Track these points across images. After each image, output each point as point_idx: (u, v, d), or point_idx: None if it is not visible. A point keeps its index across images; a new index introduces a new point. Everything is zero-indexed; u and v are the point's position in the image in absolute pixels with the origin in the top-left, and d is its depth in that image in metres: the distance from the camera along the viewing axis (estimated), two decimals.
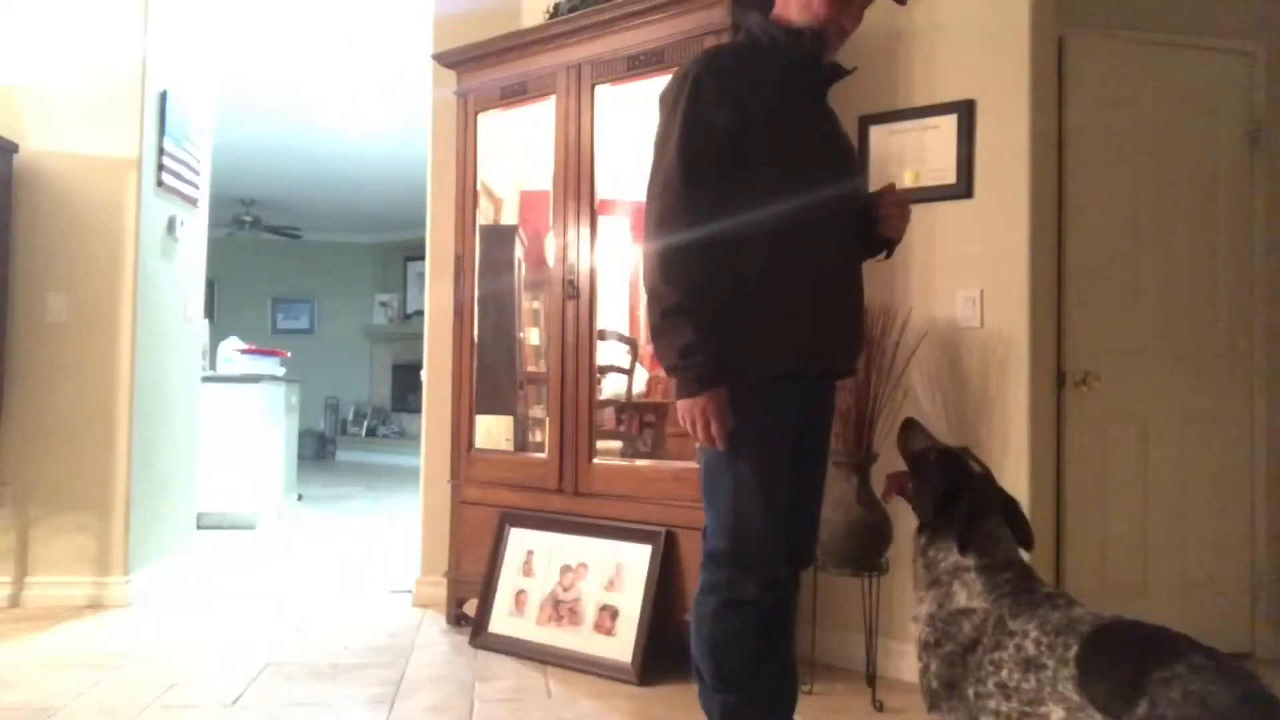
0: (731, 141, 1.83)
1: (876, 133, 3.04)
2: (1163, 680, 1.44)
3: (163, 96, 3.89)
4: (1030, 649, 1.49)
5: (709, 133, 1.83)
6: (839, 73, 2.02)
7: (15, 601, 3.62)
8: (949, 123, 2.89)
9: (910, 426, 1.87)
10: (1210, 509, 3.20)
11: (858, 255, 2.03)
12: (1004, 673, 1.50)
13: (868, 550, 2.71)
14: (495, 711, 2.62)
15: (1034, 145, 2.79)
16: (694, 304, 1.78)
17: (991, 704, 1.51)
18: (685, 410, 1.82)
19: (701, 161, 1.83)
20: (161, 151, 3.87)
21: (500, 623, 3.17)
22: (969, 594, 1.60)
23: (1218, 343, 3.24)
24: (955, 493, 1.67)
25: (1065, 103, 3.10)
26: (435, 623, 3.53)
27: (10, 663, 2.96)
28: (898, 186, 2.12)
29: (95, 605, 3.62)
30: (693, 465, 2.92)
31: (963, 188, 2.87)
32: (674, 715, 2.59)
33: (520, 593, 3.17)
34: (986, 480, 1.71)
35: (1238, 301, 3.25)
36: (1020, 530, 1.70)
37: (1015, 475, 2.77)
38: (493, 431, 3.60)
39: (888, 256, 2.09)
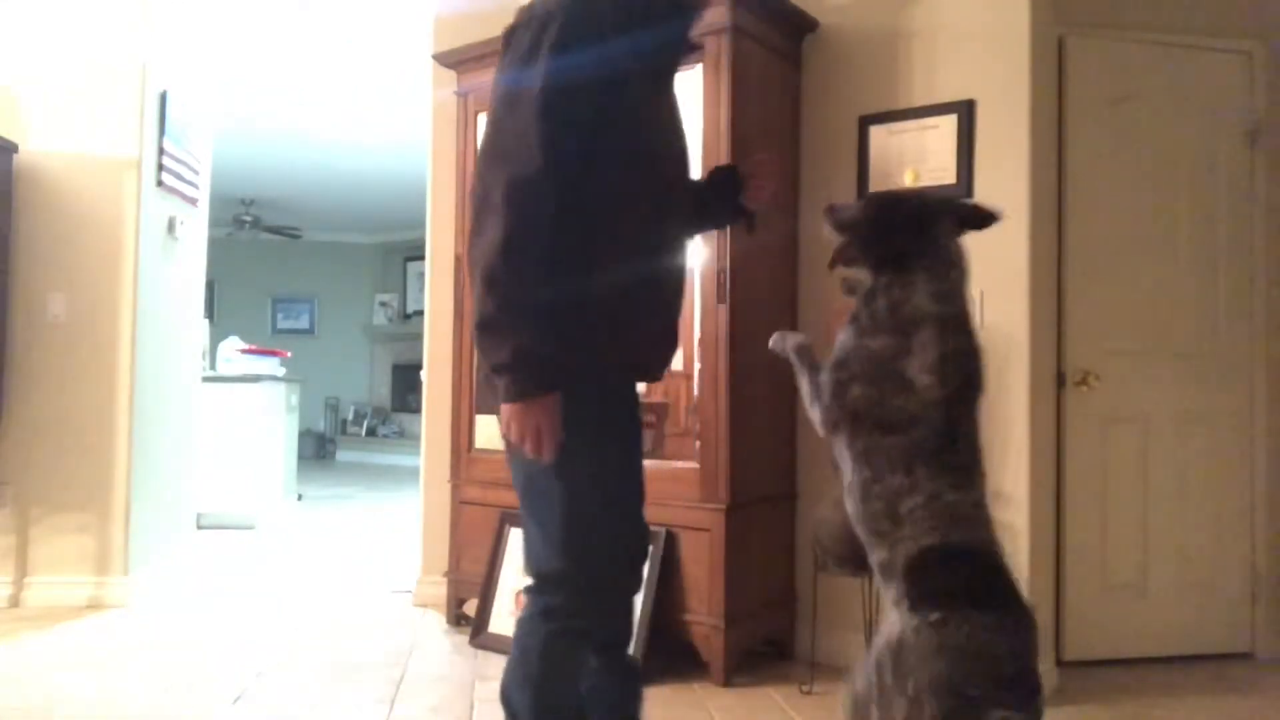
0: (594, 111, 1.53)
1: (876, 133, 3.04)
2: None
3: (163, 96, 3.89)
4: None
5: (573, 100, 1.52)
6: (691, 45, 1.76)
7: (15, 601, 3.62)
8: (949, 123, 2.89)
9: (830, 209, 1.75)
10: (1210, 509, 3.20)
11: (685, 249, 1.79)
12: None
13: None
14: (495, 711, 2.60)
15: (1034, 145, 2.79)
16: (537, 297, 1.50)
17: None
18: (512, 417, 1.53)
19: (560, 134, 1.50)
20: (161, 151, 3.87)
21: (500, 623, 3.17)
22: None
23: (1218, 343, 3.24)
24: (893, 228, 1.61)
25: (1065, 103, 3.10)
26: (435, 623, 3.53)
27: (10, 663, 2.96)
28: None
29: (95, 605, 3.62)
30: (693, 465, 2.93)
31: (963, 188, 2.87)
32: (674, 715, 2.59)
33: (520, 593, 3.17)
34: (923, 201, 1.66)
35: (1238, 301, 3.25)
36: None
37: (1015, 475, 2.77)
38: (493, 432, 3.58)
39: (749, 230, 1.92)
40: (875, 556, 1.65)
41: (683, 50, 1.74)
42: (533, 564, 1.67)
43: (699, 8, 1.73)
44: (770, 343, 1.83)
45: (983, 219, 1.75)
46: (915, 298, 1.59)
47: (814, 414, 1.76)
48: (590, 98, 1.51)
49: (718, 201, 1.85)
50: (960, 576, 1.52)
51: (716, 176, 1.87)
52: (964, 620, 1.46)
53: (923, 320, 1.59)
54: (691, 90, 2.94)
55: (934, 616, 1.49)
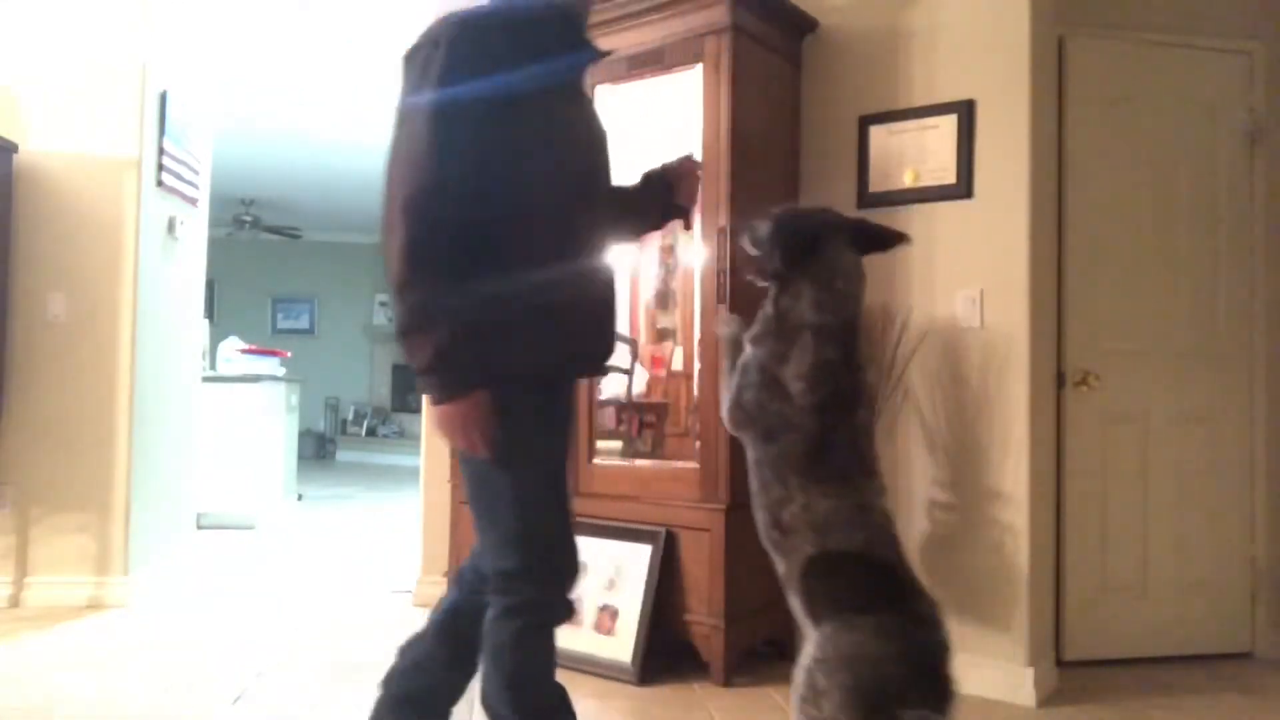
0: (490, 125, 1.61)
1: (876, 133, 3.04)
2: None
3: (163, 96, 3.89)
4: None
5: (468, 113, 1.59)
6: (597, 51, 1.81)
7: (15, 601, 3.61)
8: (949, 123, 2.89)
9: (747, 227, 1.84)
10: (1210, 509, 3.20)
11: (611, 244, 1.84)
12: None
13: None
14: None
15: (1034, 145, 2.79)
16: (448, 299, 1.55)
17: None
18: (442, 416, 1.59)
19: (457, 146, 1.58)
20: (161, 151, 3.87)
21: None
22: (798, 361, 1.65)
23: (1218, 343, 3.24)
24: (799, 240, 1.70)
25: (1065, 103, 3.10)
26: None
27: (10, 663, 2.96)
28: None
29: (95, 605, 3.62)
30: (693, 465, 2.93)
31: (963, 188, 2.87)
32: (674, 715, 2.59)
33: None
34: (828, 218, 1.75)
35: (1238, 301, 3.25)
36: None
37: (1015, 475, 2.77)
38: None
39: (687, 226, 1.99)
40: (779, 570, 1.69)
41: (584, 69, 1.82)
42: (492, 564, 1.69)
43: (597, 54, 1.81)
44: (716, 329, 1.88)
45: (886, 239, 1.81)
46: (799, 307, 1.67)
47: (722, 411, 1.81)
48: (481, 116, 1.58)
49: (651, 202, 1.93)
50: (843, 584, 1.56)
51: (649, 179, 1.95)
52: (852, 629, 1.50)
53: (802, 329, 1.66)
54: (691, 90, 2.95)
55: (827, 629, 1.54)
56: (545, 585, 1.66)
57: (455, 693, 1.90)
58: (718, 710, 2.63)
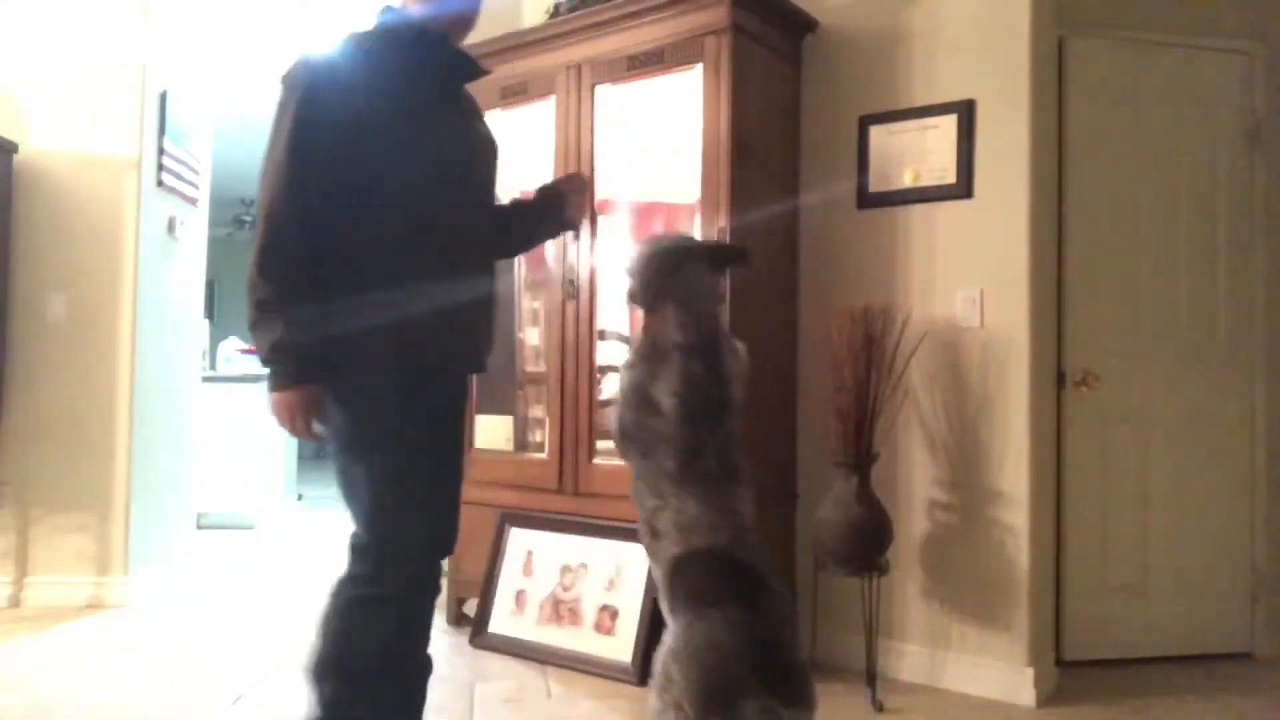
0: (349, 138, 1.78)
1: (876, 133, 3.04)
2: None
3: (163, 96, 3.89)
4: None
5: (324, 128, 1.77)
6: (475, 69, 2.01)
7: (15, 601, 3.62)
8: (949, 123, 2.89)
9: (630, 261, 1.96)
10: (1210, 509, 3.20)
11: (488, 253, 2.01)
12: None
13: (867, 550, 2.71)
14: (495, 711, 2.62)
15: (1034, 145, 2.79)
16: (289, 300, 1.73)
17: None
18: (275, 404, 1.77)
19: (310, 159, 1.76)
20: (161, 151, 3.87)
21: (500, 623, 3.17)
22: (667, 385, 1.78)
23: (1218, 343, 3.24)
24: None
25: (1065, 103, 3.10)
26: (435, 623, 3.51)
27: (10, 663, 2.96)
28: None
29: (95, 605, 3.62)
30: None
31: (963, 188, 2.87)
32: None
33: (520, 593, 3.17)
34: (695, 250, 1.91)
35: (1238, 301, 3.25)
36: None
37: (1015, 475, 2.77)
38: (493, 431, 3.59)
39: (576, 236, 2.17)
40: (654, 574, 1.77)
41: (453, 91, 1.99)
42: (350, 535, 1.89)
43: (466, 75, 2.00)
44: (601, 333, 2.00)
45: (732, 256, 1.99)
46: (667, 329, 1.80)
47: (611, 428, 1.93)
48: (338, 137, 1.77)
49: (543, 214, 2.13)
50: (700, 579, 1.66)
51: (542, 192, 2.14)
52: (703, 621, 1.60)
53: (671, 349, 1.78)
54: (691, 90, 2.95)
55: (682, 622, 1.64)
56: (382, 566, 1.83)
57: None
58: None
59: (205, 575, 4.32)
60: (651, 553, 1.79)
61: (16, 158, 3.65)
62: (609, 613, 2.95)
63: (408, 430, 1.82)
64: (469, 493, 3.41)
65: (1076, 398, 3.10)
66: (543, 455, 3.29)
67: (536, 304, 3.66)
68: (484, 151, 2.02)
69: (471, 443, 3.47)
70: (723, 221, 2.86)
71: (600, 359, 3.24)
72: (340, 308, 1.77)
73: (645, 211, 3.73)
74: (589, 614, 2.99)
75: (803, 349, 3.17)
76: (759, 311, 3.00)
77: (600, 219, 3.20)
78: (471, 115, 2.03)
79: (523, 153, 3.56)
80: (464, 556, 3.44)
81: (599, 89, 3.17)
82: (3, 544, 3.63)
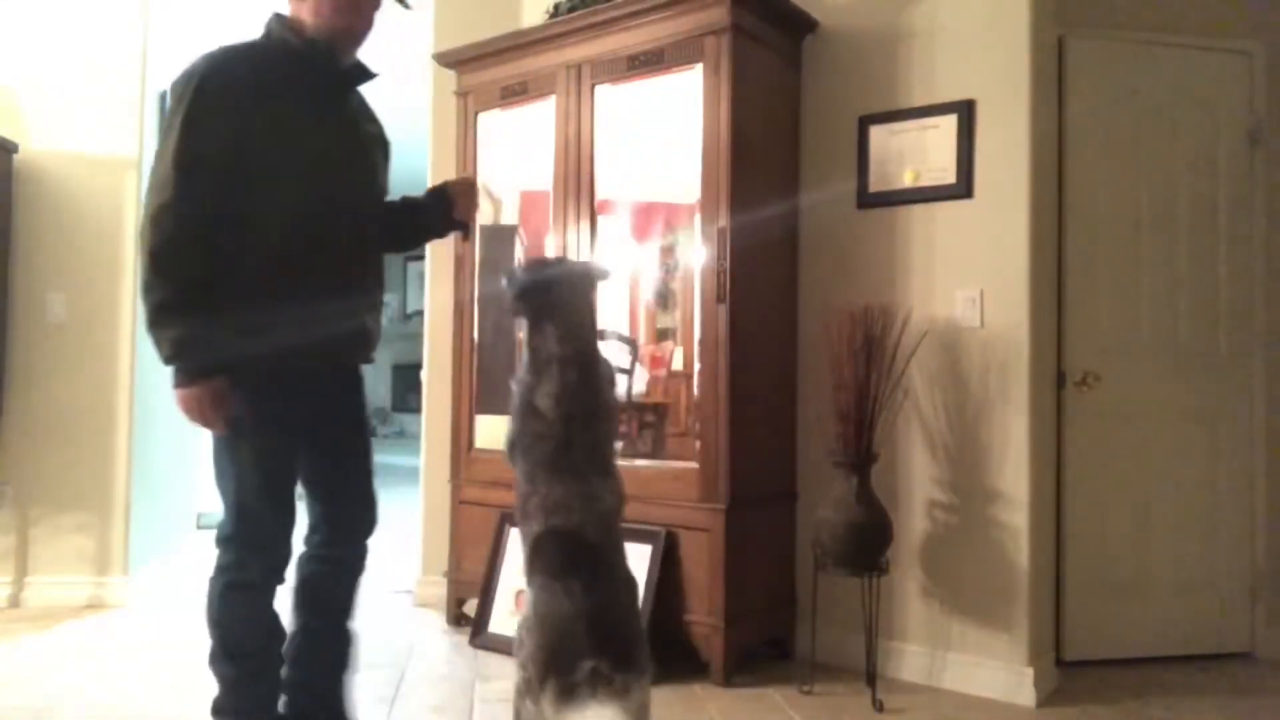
0: (234, 145, 1.87)
1: (876, 133, 3.04)
2: None
3: (163, 96, 3.89)
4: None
5: (210, 136, 1.86)
6: (364, 74, 2.11)
7: (15, 601, 3.62)
8: (949, 123, 2.89)
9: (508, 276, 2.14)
10: (1210, 509, 3.20)
11: (373, 250, 2.13)
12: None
13: (867, 550, 2.71)
14: (495, 711, 2.62)
15: (1034, 145, 2.79)
16: (187, 299, 1.83)
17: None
18: (182, 399, 1.87)
19: (198, 164, 1.85)
20: None
21: (500, 622, 3.17)
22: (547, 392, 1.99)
23: (1218, 343, 3.24)
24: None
25: (1065, 103, 3.10)
26: (435, 623, 3.53)
27: (10, 663, 2.96)
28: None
29: (95, 605, 3.62)
30: (693, 465, 2.93)
31: (963, 188, 2.87)
32: (673, 715, 2.59)
33: (520, 593, 3.17)
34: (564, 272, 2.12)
35: (1238, 301, 3.25)
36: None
37: (1015, 475, 2.77)
38: (493, 431, 3.59)
39: (465, 238, 2.28)
40: (524, 554, 2.00)
41: (339, 97, 2.09)
42: (217, 526, 2.03)
43: (352, 80, 2.11)
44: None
45: (602, 277, 2.19)
46: (547, 343, 2.01)
47: (503, 441, 2.11)
48: (226, 143, 1.87)
49: (432, 214, 2.28)
50: (556, 554, 1.89)
51: (433, 193, 2.29)
52: (549, 591, 1.85)
53: (550, 360, 2.00)
54: (691, 90, 2.95)
55: (533, 592, 1.89)
56: (250, 553, 1.98)
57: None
58: (718, 710, 2.63)
59: (205, 575, 4.31)
60: (521, 534, 2.02)
61: (16, 158, 3.65)
62: None
63: (282, 424, 1.96)
64: (469, 493, 3.44)
65: (1076, 398, 3.10)
66: None
67: None
68: (371, 152, 2.15)
69: (471, 443, 3.48)
70: (723, 221, 2.86)
71: None
72: (223, 306, 1.88)
73: (645, 211, 3.73)
74: None
75: (803, 349, 3.17)
76: (759, 311, 3.00)
77: (600, 219, 3.20)
78: (361, 118, 2.15)
79: (523, 153, 3.57)
80: (464, 556, 3.45)
81: (599, 89, 3.17)
82: (3, 544, 3.63)
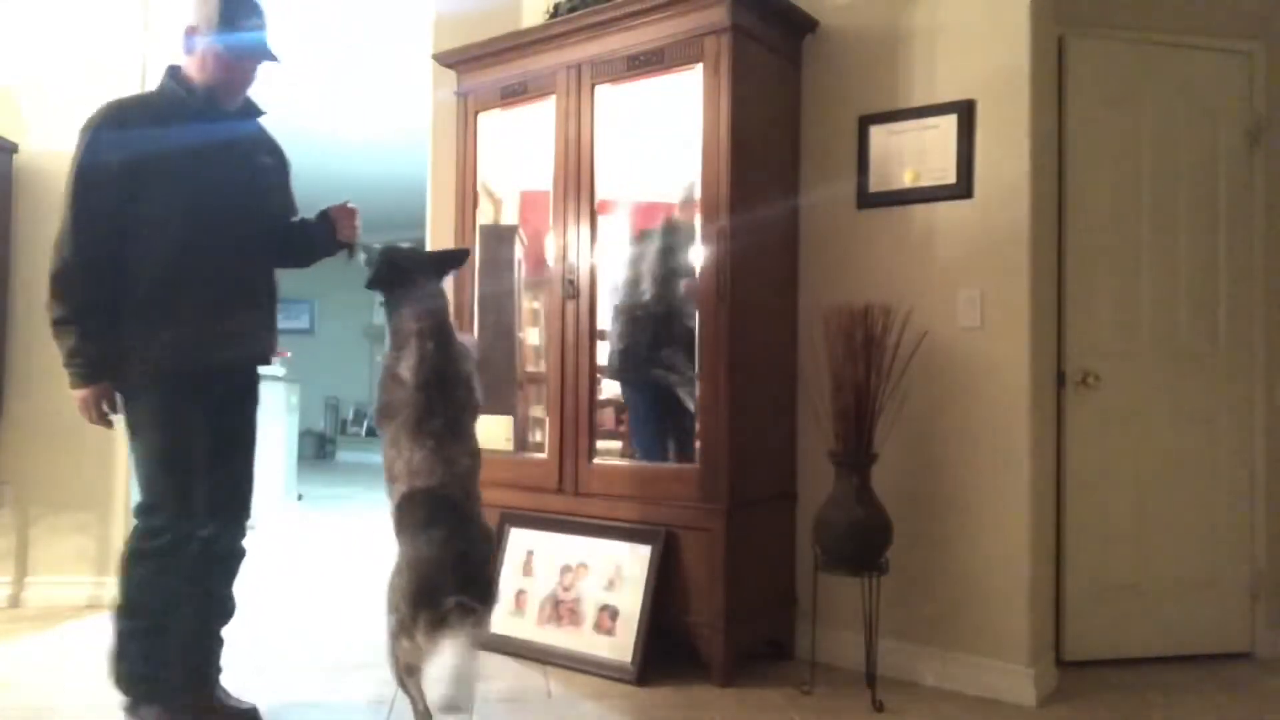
0: (125, 181, 2.22)
1: (876, 133, 3.04)
2: None
3: None
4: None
5: (101, 175, 2.22)
6: (253, 111, 2.52)
7: (15, 602, 3.62)
8: (949, 123, 2.89)
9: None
10: (1210, 509, 3.20)
11: (262, 267, 2.48)
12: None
13: (867, 550, 2.71)
14: (495, 711, 2.62)
15: (1034, 145, 2.79)
16: (79, 317, 2.21)
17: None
18: (76, 399, 2.27)
19: (91, 200, 2.21)
20: None
21: (500, 623, 3.17)
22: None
23: (1218, 343, 3.24)
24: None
25: (1065, 103, 3.10)
26: None
27: (10, 663, 2.96)
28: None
29: (95, 605, 3.61)
30: (693, 465, 2.93)
31: (963, 188, 2.87)
32: (674, 715, 2.59)
33: (520, 593, 3.17)
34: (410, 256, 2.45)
35: (1238, 301, 3.25)
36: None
37: (1015, 475, 2.77)
38: (493, 431, 3.59)
39: (350, 257, 2.58)
40: (389, 510, 2.26)
41: (229, 138, 2.41)
42: (136, 500, 2.36)
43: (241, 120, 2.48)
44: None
45: (456, 261, 2.54)
46: (406, 323, 2.31)
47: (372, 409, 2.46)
48: (119, 182, 2.22)
49: (318, 235, 2.56)
50: (421, 510, 2.16)
51: (320, 215, 2.56)
52: (415, 540, 2.13)
53: (409, 335, 2.30)
54: (691, 90, 2.95)
55: (401, 543, 2.17)
56: (156, 525, 2.29)
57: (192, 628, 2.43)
58: (718, 710, 2.63)
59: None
60: (389, 493, 2.27)
61: (16, 158, 3.65)
62: (609, 613, 2.95)
63: (179, 417, 2.30)
64: None
65: (1076, 398, 3.10)
66: (543, 455, 3.29)
67: (536, 304, 3.66)
68: (264, 180, 2.49)
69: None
70: (723, 221, 2.86)
71: (600, 359, 3.24)
72: (124, 320, 2.25)
73: (645, 211, 3.73)
74: (589, 614, 2.99)
75: (803, 349, 3.17)
76: (759, 312, 3.00)
77: (600, 219, 3.20)
78: (257, 150, 2.50)
79: (523, 153, 3.56)
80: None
81: (599, 89, 3.17)
82: (3, 544, 3.63)
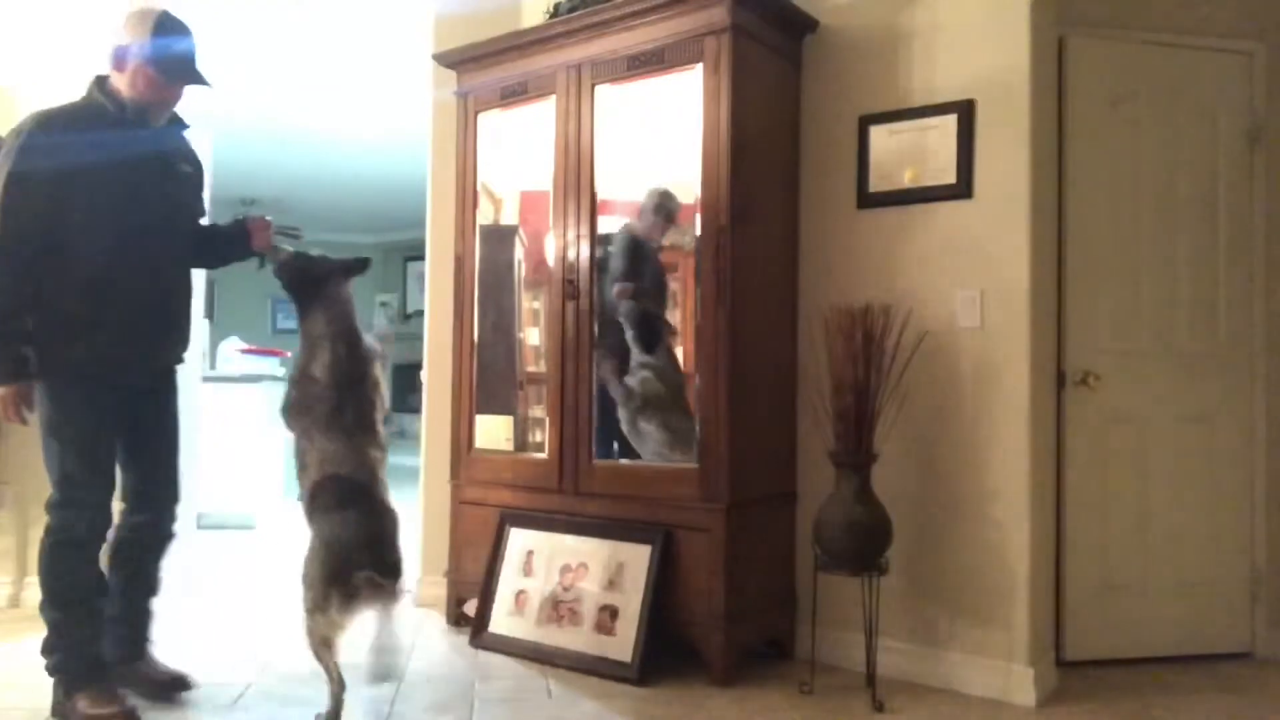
0: (54, 189, 2.32)
1: (876, 133, 3.04)
2: None
3: None
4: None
5: (29, 187, 2.30)
6: (177, 126, 2.65)
7: (15, 602, 3.62)
8: (949, 123, 2.89)
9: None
10: (1210, 509, 3.20)
11: (179, 270, 2.63)
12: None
13: (867, 550, 2.71)
14: (495, 711, 2.62)
15: (1034, 145, 2.79)
16: (2, 319, 2.30)
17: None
18: None
19: (20, 207, 2.30)
20: None
21: (500, 623, 3.18)
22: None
23: (1218, 343, 3.24)
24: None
25: (1065, 103, 3.10)
26: (435, 623, 3.53)
27: (10, 663, 2.96)
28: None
29: None
30: (693, 465, 2.93)
31: (962, 188, 2.87)
32: (674, 715, 2.59)
33: (520, 593, 3.17)
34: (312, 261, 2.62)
35: (1238, 301, 3.25)
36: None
37: (1015, 475, 2.77)
38: (493, 431, 3.59)
39: (260, 266, 2.78)
40: (301, 498, 2.44)
41: (155, 150, 2.54)
42: (49, 496, 2.45)
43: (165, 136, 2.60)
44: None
45: (361, 266, 2.65)
46: (318, 325, 2.49)
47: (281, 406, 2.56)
48: (45, 194, 2.32)
49: (234, 242, 2.75)
50: (333, 494, 2.35)
51: (236, 222, 2.77)
52: (328, 520, 2.33)
53: (322, 338, 2.47)
54: (691, 90, 2.95)
55: (314, 524, 2.36)
56: (71, 515, 2.40)
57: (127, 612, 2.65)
58: (718, 710, 2.63)
59: (205, 575, 4.31)
60: (300, 482, 2.45)
61: None
62: (609, 613, 2.95)
63: (96, 415, 2.43)
64: (469, 493, 3.44)
65: (1076, 398, 3.10)
66: (543, 455, 3.29)
67: (536, 304, 3.66)
68: (184, 189, 2.65)
69: (471, 443, 3.48)
70: (723, 221, 2.86)
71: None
72: (48, 324, 2.36)
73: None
74: (589, 614, 2.99)
75: (803, 349, 3.17)
76: (759, 312, 3.00)
77: (600, 219, 3.20)
78: (177, 160, 2.64)
79: (523, 153, 3.56)
80: (464, 556, 3.45)
81: (599, 89, 3.17)
82: (3, 544, 3.63)
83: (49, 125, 2.38)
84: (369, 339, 2.58)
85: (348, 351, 2.47)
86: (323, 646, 2.33)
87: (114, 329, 2.42)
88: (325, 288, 2.54)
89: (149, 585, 2.70)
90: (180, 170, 2.64)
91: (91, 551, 2.45)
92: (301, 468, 2.45)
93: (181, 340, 2.69)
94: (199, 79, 2.53)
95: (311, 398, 2.43)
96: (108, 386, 2.45)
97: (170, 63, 2.44)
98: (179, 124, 2.67)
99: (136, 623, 2.67)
